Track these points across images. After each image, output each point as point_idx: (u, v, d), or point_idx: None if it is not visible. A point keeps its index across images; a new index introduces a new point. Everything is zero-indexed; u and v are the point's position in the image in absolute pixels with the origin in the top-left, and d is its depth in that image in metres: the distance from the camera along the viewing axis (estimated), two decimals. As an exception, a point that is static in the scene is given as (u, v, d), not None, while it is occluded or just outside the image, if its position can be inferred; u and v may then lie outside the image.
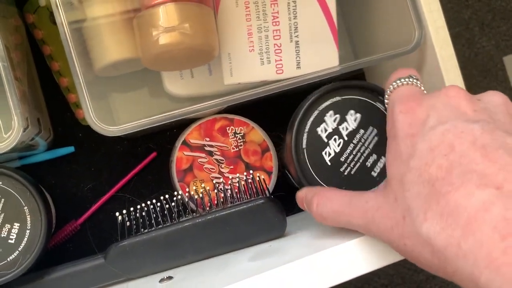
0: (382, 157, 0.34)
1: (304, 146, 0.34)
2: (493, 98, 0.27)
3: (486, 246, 0.20)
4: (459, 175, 0.21)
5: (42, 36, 0.40)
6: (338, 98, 0.35)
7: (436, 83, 0.36)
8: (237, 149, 0.38)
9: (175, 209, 0.35)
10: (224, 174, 0.38)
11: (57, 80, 0.41)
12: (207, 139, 0.37)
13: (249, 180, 0.35)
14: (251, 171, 0.37)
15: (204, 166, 0.37)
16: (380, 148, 0.35)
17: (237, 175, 0.36)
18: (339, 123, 0.35)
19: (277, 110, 0.42)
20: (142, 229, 0.34)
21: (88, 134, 0.41)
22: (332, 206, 0.29)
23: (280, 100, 0.43)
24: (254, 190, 0.35)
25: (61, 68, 0.40)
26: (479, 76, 1.07)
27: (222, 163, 0.38)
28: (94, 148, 0.41)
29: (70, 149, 0.41)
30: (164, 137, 0.42)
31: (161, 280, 0.33)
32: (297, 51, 0.37)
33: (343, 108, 0.35)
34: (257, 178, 0.36)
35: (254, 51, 0.37)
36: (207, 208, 0.34)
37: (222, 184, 0.37)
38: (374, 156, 0.35)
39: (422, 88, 0.29)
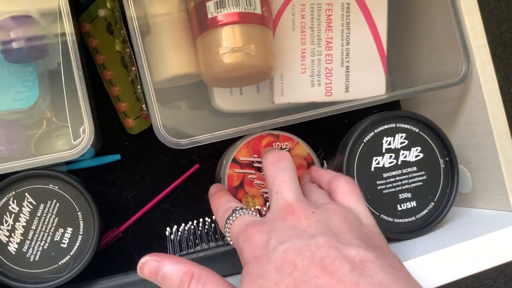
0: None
1: (355, 166, 0.36)
2: (328, 206, 0.28)
3: None
4: None
5: (96, 45, 0.41)
6: (390, 125, 0.37)
7: (479, 115, 0.38)
8: None
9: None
10: (272, 189, 0.39)
11: (107, 89, 0.42)
12: (255, 155, 0.38)
13: None
14: None
15: (254, 182, 0.38)
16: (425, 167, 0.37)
17: None
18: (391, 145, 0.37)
19: (319, 127, 0.43)
20: (195, 247, 0.35)
21: (134, 143, 0.42)
22: None
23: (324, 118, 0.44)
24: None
25: (112, 77, 0.41)
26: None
27: (270, 179, 0.39)
28: (138, 157, 0.42)
29: (117, 157, 0.42)
30: (207, 150, 0.43)
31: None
32: (347, 76, 0.39)
33: (394, 134, 0.37)
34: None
35: (306, 73, 0.38)
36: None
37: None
38: (418, 172, 0.37)
39: (251, 212, 0.30)
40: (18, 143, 0.34)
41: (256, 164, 0.38)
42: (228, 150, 0.40)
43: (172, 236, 0.36)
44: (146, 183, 0.42)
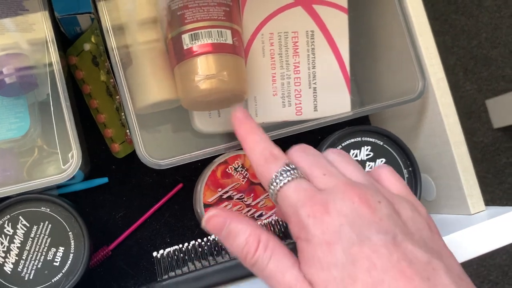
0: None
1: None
2: (388, 195, 0.27)
3: None
4: None
5: (83, 76, 0.44)
6: (357, 139, 0.40)
7: (437, 127, 0.41)
8: (245, 178, 0.42)
9: (213, 250, 0.38)
10: (251, 204, 0.41)
11: (94, 117, 0.45)
12: (219, 189, 0.41)
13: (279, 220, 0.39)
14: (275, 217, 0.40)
15: (233, 210, 0.40)
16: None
17: (267, 220, 0.40)
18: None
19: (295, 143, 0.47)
20: (183, 268, 0.37)
21: (121, 166, 0.45)
22: (282, 268, 0.25)
23: (298, 135, 0.47)
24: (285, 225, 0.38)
25: (99, 106, 0.44)
26: (463, 117, 1.14)
27: (243, 198, 0.42)
28: (125, 179, 0.45)
29: (104, 180, 0.44)
30: (189, 169, 0.46)
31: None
32: (315, 96, 0.42)
33: (360, 147, 0.40)
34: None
35: (277, 95, 0.42)
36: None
37: (255, 211, 0.40)
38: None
39: (304, 179, 0.27)
40: (11, 170, 0.37)
41: (225, 196, 0.41)
42: (196, 198, 0.42)
43: (159, 257, 0.38)
44: (134, 203, 0.45)
